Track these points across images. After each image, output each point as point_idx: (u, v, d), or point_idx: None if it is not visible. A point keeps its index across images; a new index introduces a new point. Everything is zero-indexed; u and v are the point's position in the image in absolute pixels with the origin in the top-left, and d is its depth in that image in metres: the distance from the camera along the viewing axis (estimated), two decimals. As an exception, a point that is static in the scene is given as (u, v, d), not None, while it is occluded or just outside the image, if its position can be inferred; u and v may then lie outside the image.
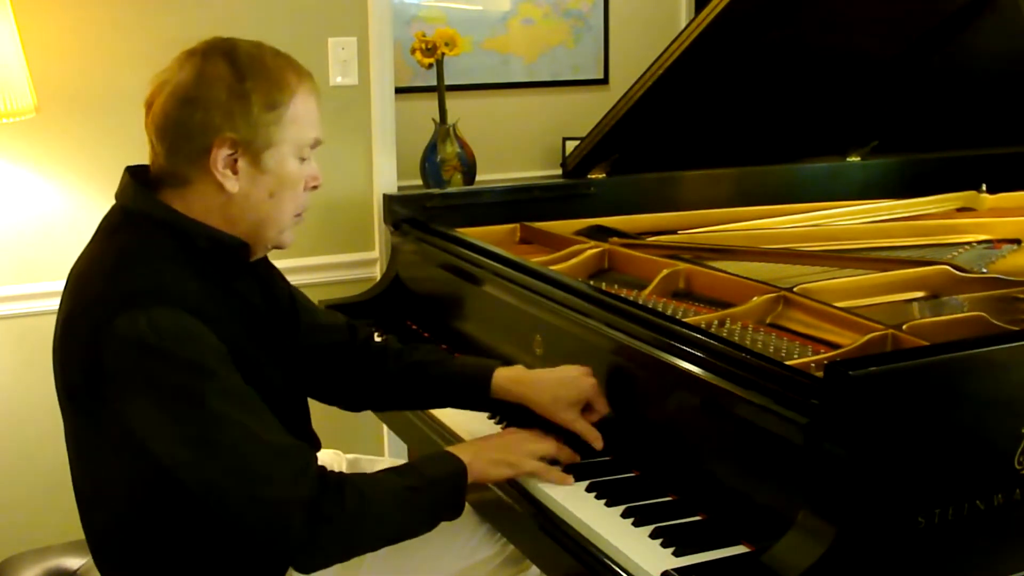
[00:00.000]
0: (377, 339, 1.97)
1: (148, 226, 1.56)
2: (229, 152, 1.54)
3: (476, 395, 1.85)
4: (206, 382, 1.47)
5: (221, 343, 1.50)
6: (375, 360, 1.91)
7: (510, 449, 1.70)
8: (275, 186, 1.59)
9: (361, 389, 1.91)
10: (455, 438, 1.92)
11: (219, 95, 1.53)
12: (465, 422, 1.95)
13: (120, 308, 1.46)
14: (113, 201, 1.64)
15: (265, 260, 1.73)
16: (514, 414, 1.86)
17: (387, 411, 1.96)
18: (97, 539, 1.66)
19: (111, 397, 1.48)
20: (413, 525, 1.61)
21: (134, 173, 1.62)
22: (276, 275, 1.78)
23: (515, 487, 1.72)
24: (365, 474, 1.61)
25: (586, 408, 1.77)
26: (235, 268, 1.62)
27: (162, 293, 1.48)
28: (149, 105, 1.57)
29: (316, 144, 1.63)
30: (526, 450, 1.70)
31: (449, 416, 1.98)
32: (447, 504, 1.63)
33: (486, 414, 1.96)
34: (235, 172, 1.56)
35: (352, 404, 1.94)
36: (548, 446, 1.72)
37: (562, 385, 1.78)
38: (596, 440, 1.75)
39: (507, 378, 1.82)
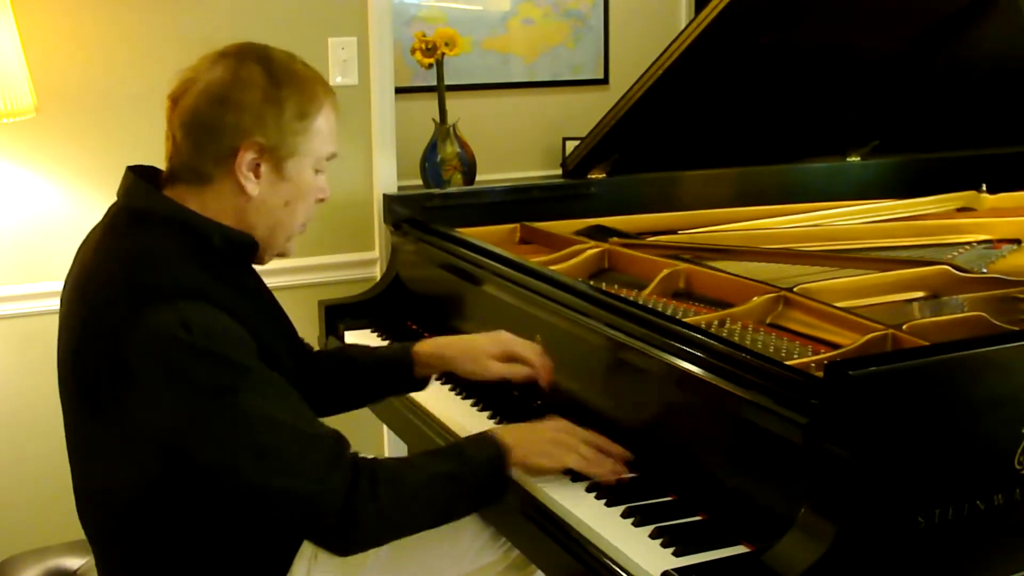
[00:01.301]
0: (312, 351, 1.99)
1: (162, 225, 1.56)
2: (254, 156, 1.55)
3: (402, 373, 1.91)
4: (239, 377, 1.47)
5: (250, 338, 1.51)
6: (312, 365, 1.91)
7: (555, 440, 1.67)
8: (292, 195, 1.61)
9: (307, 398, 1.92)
10: (452, 435, 1.92)
11: (253, 99, 1.54)
12: (460, 418, 1.95)
13: (147, 304, 1.45)
14: (114, 200, 1.64)
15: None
16: (508, 408, 1.90)
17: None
18: (99, 539, 1.66)
19: (136, 396, 1.47)
20: (451, 510, 1.61)
21: (138, 172, 1.62)
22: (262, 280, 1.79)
23: (515, 488, 1.72)
24: (403, 460, 1.62)
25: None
26: (245, 266, 1.64)
27: (188, 288, 1.48)
28: (175, 100, 1.57)
29: (332, 157, 1.66)
30: (568, 442, 1.67)
31: (446, 414, 1.99)
32: (488, 489, 1.62)
33: (476, 408, 1.98)
34: (257, 177, 1.57)
35: None
36: (594, 442, 1.68)
37: (478, 340, 1.86)
38: (519, 370, 1.81)
39: (427, 345, 1.90)
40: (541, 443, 1.66)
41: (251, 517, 1.55)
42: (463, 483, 1.59)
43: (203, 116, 1.54)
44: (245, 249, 1.62)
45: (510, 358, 1.86)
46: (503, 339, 1.87)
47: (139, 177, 1.61)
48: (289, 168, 1.59)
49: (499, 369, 1.83)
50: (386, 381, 1.95)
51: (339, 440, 1.55)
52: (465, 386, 2.05)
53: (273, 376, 1.52)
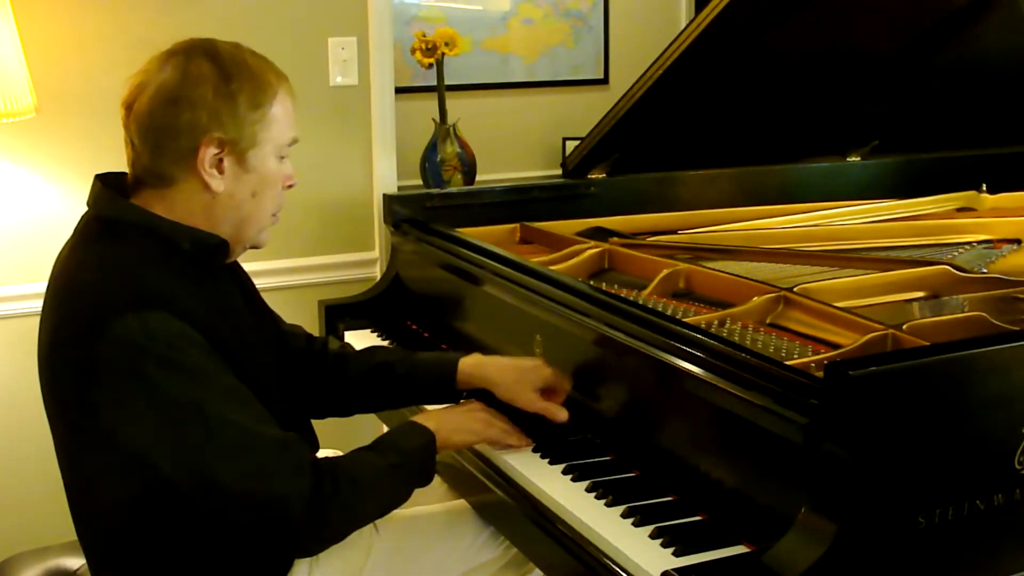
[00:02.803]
0: (332, 347, 1.97)
1: (128, 232, 1.56)
2: (216, 151, 1.55)
3: (442, 387, 1.89)
4: (202, 385, 1.48)
5: (210, 345, 1.51)
6: (335, 367, 1.92)
7: (471, 417, 1.78)
8: (258, 185, 1.60)
9: (323, 396, 1.92)
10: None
11: (205, 95, 1.53)
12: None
13: (111, 314, 1.46)
14: None
15: (237, 264, 1.74)
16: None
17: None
18: (92, 545, 1.66)
19: (103, 405, 1.48)
20: (396, 498, 1.66)
21: (105, 180, 1.62)
22: (248, 279, 1.79)
23: (514, 487, 1.73)
24: (350, 457, 1.64)
25: (551, 392, 1.84)
26: (217, 268, 1.63)
27: (152, 297, 1.48)
28: (128, 106, 1.57)
29: (293, 143, 1.65)
30: (484, 418, 1.78)
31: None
32: (421, 474, 1.68)
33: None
34: (221, 172, 1.57)
35: (314, 412, 1.92)
36: (504, 419, 1.80)
37: (524, 369, 1.85)
38: (560, 412, 1.80)
39: (470, 364, 1.88)
40: (460, 423, 1.76)
41: (220, 523, 1.55)
42: (404, 471, 1.65)
43: (158, 118, 1.54)
44: (215, 250, 1.61)
45: (546, 389, 1.85)
46: (546, 373, 1.84)
47: (106, 185, 1.61)
48: (252, 159, 1.58)
49: (539, 406, 1.81)
50: (423, 392, 1.93)
51: (300, 444, 1.57)
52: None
53: (236, 384, 1.52)
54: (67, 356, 1.51)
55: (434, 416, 1.77)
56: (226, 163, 1.56)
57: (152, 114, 1.54)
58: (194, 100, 1.53)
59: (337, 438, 2.20)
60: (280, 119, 1.60)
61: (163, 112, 1.54)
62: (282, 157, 1.63)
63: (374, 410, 2.10)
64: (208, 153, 1.54)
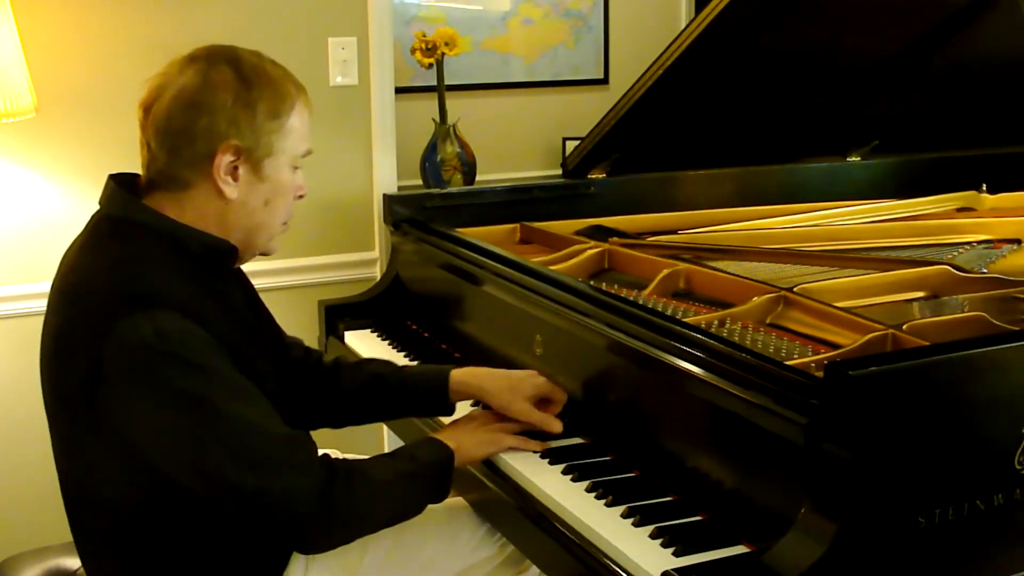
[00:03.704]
0: (327, 360, 1.97)
1: (139, 233, 1.56)
2: (232, 159, 1.55)
3: (435, 398, 1.88)
4: (211, 382, 1.48)
5: (224, 344, 1.51)
6: (329, 378, 1.91)
7: (486, 428, 1.80)
8: (271, 194, 1.61)
9: (316, 407, 1.91)
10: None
11: (225, 101, 1.54)
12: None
13: (121, 313, 1.46)
14: None
15: (239, 268, 1.74)
16: None
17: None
18: (89, 545, 1.66)
19: (110, 403, 1.48)
20: (409, 510, 1.66)
21: (118, 180, 1.62)
22: (249, 283, 1.78)
23: (513, 486, 1.73)
24: (367, 460, 1.64)
25: (547, 403, 1.85)
26: (225, 272, 1.64)
27: (161, 296, 1.49)
28: (147, 108, 1.57)
29: (307, 154, 1.65)
30: (499, 426, 1.80)
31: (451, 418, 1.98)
32: (436, 489, 1.68)
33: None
34: (235, 179, 1.57)
35: (308, 423, 1.90)
36: (517, 426, 1.82)
37: (518, 379, 1.86)
38: (554, 424, 1.81)
39: (463, 373, 1.88)
40: (478, 436, 1.77)
41: (230, 519, 1.56)
42: (420, 482, 1.66)
43: (177, 122, 1.54)
44: (224, 254, 1.62)
45: (542, 400, 1.86)
46: (539, 383, 1.86)
47: (119, 185, 1.61)
48: (267, 168, 1.58)
49: (533, 417, 1.82)
50: (417, 404, 1.92)
51: (309, 442, 1.58)
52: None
53: (245, 381, 1.53)
54: (74, 354, 1.51)
55: (452, 433, 1.77)
56: (241, 171, 1.56)
57: (171, 117, 1.54)
58: (214, 106, 1.53)
59: (337, 438, 2.20)
60: (297, 130, 1.60)
61: (182, 116, 1.54)
62: (295, 168, 1.63)
63: (366, 422, 2.08)
64: (224, 160, 1.54)
